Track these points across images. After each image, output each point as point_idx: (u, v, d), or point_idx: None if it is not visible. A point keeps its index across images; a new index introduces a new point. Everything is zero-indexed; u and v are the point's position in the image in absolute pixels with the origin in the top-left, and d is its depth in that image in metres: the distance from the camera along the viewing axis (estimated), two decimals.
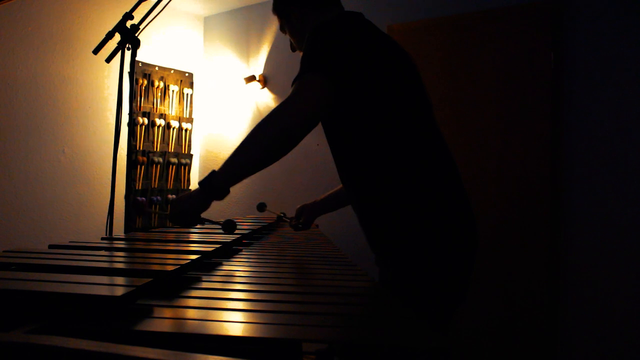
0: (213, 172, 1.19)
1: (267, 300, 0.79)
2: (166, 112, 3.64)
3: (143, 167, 3.44)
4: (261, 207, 2.19)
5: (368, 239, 1.36)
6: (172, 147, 3.67)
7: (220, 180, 1.18)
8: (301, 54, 1.23)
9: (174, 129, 3.67)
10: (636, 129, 2.32)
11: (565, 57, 2.50)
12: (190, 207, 1.21)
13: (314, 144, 3.39)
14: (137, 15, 1.80)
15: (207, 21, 4.05)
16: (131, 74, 1.86)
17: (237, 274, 1.02)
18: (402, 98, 1.22)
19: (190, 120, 3.81)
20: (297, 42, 1.47)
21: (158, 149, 3.56)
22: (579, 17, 2.47)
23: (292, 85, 1.16)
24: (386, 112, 1.20)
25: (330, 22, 1.20)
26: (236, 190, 3.67)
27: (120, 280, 0.76)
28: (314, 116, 1.14)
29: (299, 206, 1.92)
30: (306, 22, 1.38)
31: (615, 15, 2.38)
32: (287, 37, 1.52)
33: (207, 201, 1.21)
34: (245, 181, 4.31)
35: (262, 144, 1.14)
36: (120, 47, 1.77)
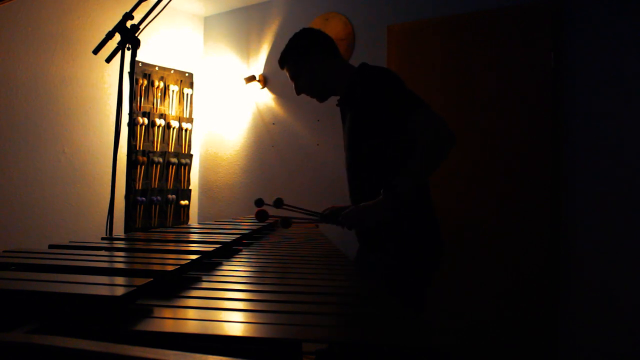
0: (393, 184, 1.43)
1: (267, 300, 0.79)
2: (166, 112, 3.64)
3: (143, 167, 3.44)
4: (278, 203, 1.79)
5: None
6: (172, 147, 3.67)
7: (405, 188, 1.44)
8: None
9: (174, 129, 3.67)
10: (636, 128, 2.32)
11: (565, 57, 2.50)
12: (375, 213, 1.44)
13: (314, 144, 3.39)
14: (137, 15, 1.80)
15: (207, 21, 4.05)
16: (131, 74, 1.86)
17: (237, 274, 1.02)
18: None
19: (190, 120, 3.81)
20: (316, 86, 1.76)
21: (158, 149, 3.56)
22: (579, 17, 2.46)
23: (410, 109, 1.50)
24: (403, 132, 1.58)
25: (393, 73, 1.61)
26: (236, 190, 3.70)
27: (120, 280, 0.76)
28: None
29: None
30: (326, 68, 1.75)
31: (615, 15, 2.38)
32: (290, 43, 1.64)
33: (390, 207, 1.42)
34: (245, 181, 4.27)
35: (436, 155, 1.47)
36: (120, 47, 1.76)
